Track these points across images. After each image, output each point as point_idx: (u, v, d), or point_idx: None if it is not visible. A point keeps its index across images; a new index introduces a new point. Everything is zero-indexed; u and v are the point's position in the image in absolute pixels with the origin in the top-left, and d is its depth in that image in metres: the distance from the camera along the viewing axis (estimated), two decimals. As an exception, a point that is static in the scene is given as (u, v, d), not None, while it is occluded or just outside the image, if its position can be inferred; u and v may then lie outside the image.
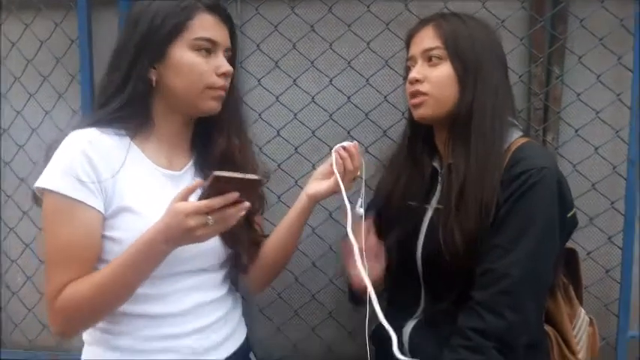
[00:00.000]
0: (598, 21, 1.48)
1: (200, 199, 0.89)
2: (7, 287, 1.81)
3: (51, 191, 0.95)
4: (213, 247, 1.08)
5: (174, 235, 0.90)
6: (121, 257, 0.94)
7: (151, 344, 1.03)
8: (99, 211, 0.97)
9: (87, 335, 1.07)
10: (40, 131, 1.71)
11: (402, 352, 1.13)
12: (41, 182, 0.96)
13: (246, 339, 1.21)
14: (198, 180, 0.92)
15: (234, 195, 0.89)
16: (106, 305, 0.98)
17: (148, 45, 1.00)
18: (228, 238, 1.10)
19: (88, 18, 1.58)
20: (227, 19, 1.07)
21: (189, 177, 1.11)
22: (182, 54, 1.00)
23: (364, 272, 0.99)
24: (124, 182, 1.00)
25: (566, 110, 1.53)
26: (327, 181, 1.15)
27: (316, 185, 1.16)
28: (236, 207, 0.91)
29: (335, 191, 1.14)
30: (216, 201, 0.88)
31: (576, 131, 1.52)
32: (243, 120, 1.18)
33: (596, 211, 1.55)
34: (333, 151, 1.15)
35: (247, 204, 0.92)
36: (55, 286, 0.96)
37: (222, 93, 1.05)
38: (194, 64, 1.00)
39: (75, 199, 0.95)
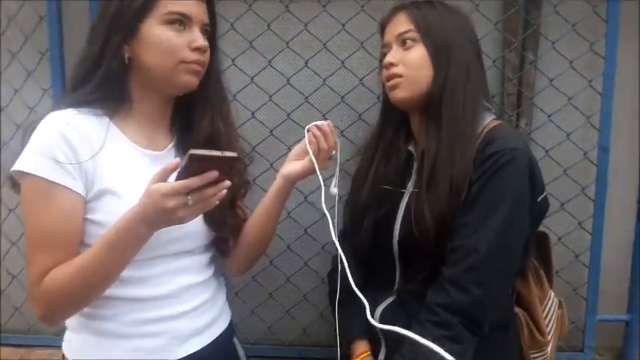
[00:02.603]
0: (571, 7, 1.50)
1: (177, 179, 0.86)
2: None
3: (28, 174, 0.92)
4: (198, 229, 1.07)
5: (153, 218, 0.87)
6: (101, 241, 0.91)
7: (136, 329, 1.01)
8: (79, 194, 0.95)
9: (69, 321, 1.05)
10: (9, 110, 1.67)
11: (374, 331, 1.15)
12: (18, 165, 0.93)
13: (230, 323, 1.20)
14: (176, 159, 0.87)
15: (212, 174, 0.85)
16: (89, 290, 0.95)
17: (120, 22, 0.98)
18: (213, 221, 1.09)
19: (57, -6, 1.54)
20: None
21: (171, 158, 1.08)
22: (153, 29, 0.98)
23: (339, 247, 0.99)
24: (104, 163, 0.97)
25: (539, 96, 1.55)
26: (301, 161, 1.15)
27: (291, 166, 1.16)
28: (216, 186, 0.87)
29: (310, 172, 1.13)
30: (194, 181, 0.85)
31: (549, 117, 1.54)
32: (226, 102, 1.15)
33: (567, 197, 1.57)
34: (306, 130, 1.14)
35: (228, 183, 0.89)
36: (37, 272, 0.93)
37: (198, 68, 1.02)
38: (165, 39, 0.98)
39: (53, 182, 0.92)
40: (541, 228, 1.20)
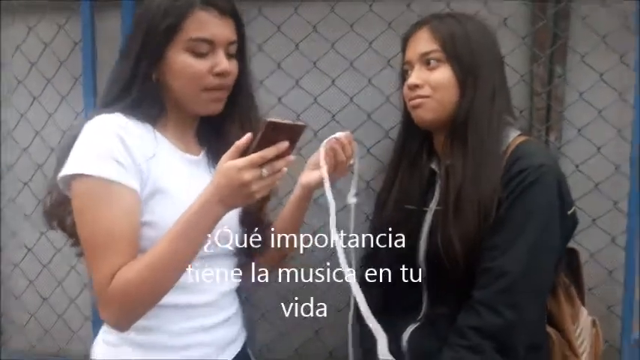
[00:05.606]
0: (600, 19, 1.48)
1: (251, 150, 0.86)
2: (10, 292, 1.81)
3: (88, 176, 0.91)
4: (237, 228, 1.09)
5: (229, 194, 0.88)
6: (172, 232, 0.90)
7: (184, 339, 1.02)
8: (137, 192, 0.95)
9: (109, 335, 1.04)
10: (43, 134, 1.71)
11: (401, 354, 1.13)
12: (73, 168, 0.92)
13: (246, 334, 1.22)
14: (248, 135, 0.87)
15: (284, 144, 0.86)
16: (161, 285, 0.93)
17: (148, 47, 1.00)
18: (249, 219, 1.11)
19: (91, 20, 1.59)
20: (229, 11, 1.02)
21: (206, 163, 1.12)
22: (177, 56, 0.99)
23: (347, 270, 0.98)
24: (155, 166, 0.98)
25: (569, 109, 1.53)
26: (318, 171, 1.14)
27: (308, 175, 1.17)
28: (284, 159, 0.88)
29: (329, 180, 1.11)
30: (270, 151, 0.86)
31: (579, 131, 1.52)
32: (255, 110, 1.15)
33: (598, 212, 1.53)
34: (322, 144, 1.13)
35: (292, 157, 0.90)
36: (105, 273, 0.91)
37: (221, 94, 1.04)
38: (187, 66, 0.99)
39: (114, 181, 0.91)
40: (573, 244, 1.18)
